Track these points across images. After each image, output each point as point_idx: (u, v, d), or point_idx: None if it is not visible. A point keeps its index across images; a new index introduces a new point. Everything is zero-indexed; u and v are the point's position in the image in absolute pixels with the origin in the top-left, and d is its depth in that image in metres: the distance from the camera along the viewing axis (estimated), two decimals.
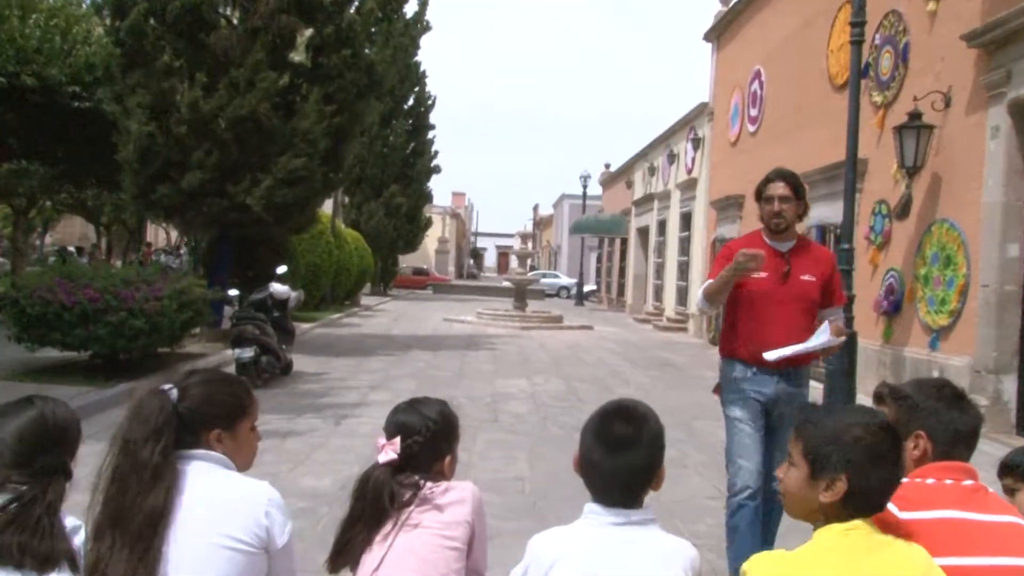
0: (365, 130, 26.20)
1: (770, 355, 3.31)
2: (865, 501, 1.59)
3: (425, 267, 44.71)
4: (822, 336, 3.31)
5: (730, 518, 3.34)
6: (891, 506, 1.70)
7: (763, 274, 3.37)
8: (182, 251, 24.68)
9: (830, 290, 3.48)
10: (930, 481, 1.78)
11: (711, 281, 3.44)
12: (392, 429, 2.00)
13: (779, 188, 3.42)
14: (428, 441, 1.97)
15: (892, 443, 1.61)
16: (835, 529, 1.57)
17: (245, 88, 10.66)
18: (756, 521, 3.28)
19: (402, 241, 29.80)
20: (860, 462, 1.57)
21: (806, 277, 3.41)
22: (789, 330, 3.35)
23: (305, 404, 7.85)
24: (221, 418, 1.87)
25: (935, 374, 8.25)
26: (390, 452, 1.94)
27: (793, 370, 3.42)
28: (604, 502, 1.73)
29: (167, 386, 1.82)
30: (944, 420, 1.83)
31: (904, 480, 1.78)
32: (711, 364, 12.71)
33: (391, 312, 22.65)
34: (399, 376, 10.02)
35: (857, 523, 1.57)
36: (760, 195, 3.47)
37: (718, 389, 3.57)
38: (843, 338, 3.36)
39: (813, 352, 3.38)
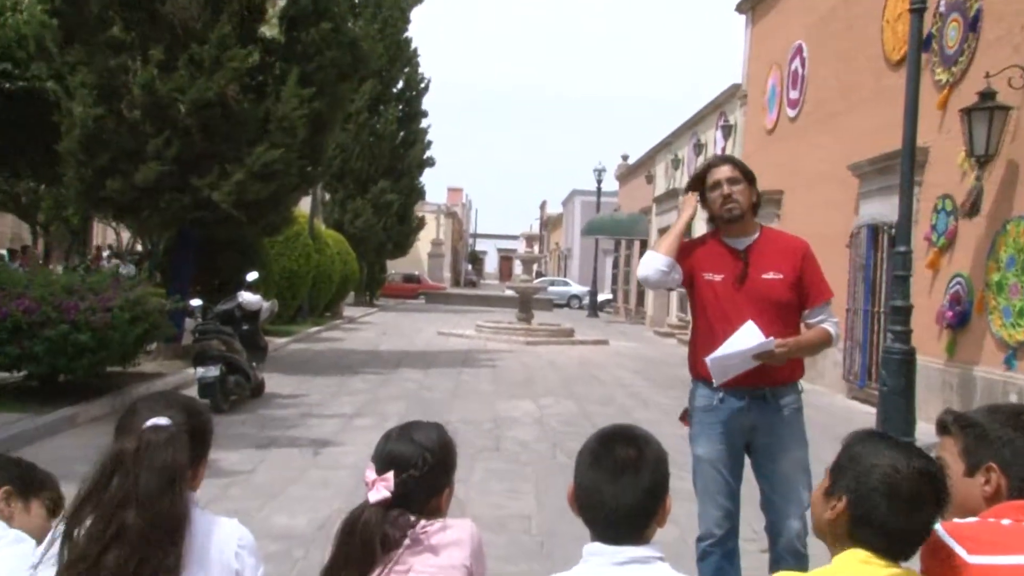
0: (350, 117, 26.39)
1: (715, 379, 3.28)
2: (873, 538, 1.68)
3: (417, 273, 44.74)
4: (746, 338, 3.15)
5: (697, 563, 3.37)
6: (959, 548, 1.70)
7: (718, 276, 3.35)
8: (102, 256, 24.08)
9: (806, 286, 3.33)
10: (1006, 522, 1.77)
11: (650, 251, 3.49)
12: (383, 461, 1.97)
13: (724, 171, 3.38)
14: (426, 476, 1.95)
15: (922, 491, 1.67)
16: (854, 556, 1.68)
17: (211, 67, 10.65)
18: (728, 568, 3.31)
19: (391, 243, 29.85)
20: (869, 494, 1.68)
21: (769, 276, 3.30)
22: None
23: (278, 431, 7.84)
24: (206, 449, 1.90)
25: (1013, 398, 8.14)
26: (382, 490, 1.91)
27: (770, 390, 3.29)
28: (606, 538, 1.75)
29: (163, 421, 1.77)
30: (1021, 452, 1.84)
31: (974, 519, 1.79)
32: None
33: (378, 325, 22.67)
34: (387, 398, 10.01)
35: (875, 558, 1.67)
36: (703, 187, 3.44)
37: (685, 416, 3.48)
38: (779, 341, 3.14)
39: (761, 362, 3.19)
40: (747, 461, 3.42)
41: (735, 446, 3.36)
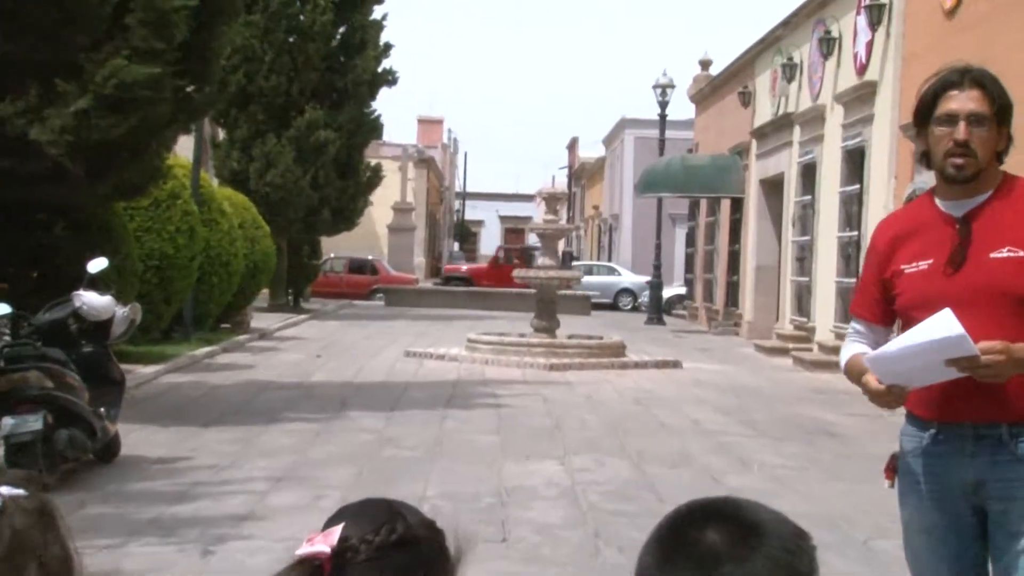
0: (254, 3, 26.25)
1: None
2: None
3: (371, 258, 44.91)
4: (935, 330, 3.29)
5: None
6: None
7: (924, 263, 3.55)
8: None
9: None
10: None
11: (851, 353, 3.76)
12: (336, 517, 2.00)
13: (968, 100, 3.48)
14: (380, 559, 1.94)
15: None
16: None
17: None
18: None
19: (328, 210, 29.81)
20: None
21: (1002, 253, 3.45)
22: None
23: (145, 516, 7.81)
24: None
25: None
26: (319, 543, 1.93)
27: (1008, 429, 3.44)
28: None
29: (12, 490, 1.74)
30: None
31: None
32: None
33: (309, 342, 22.80)
34: (324, 460, 10.04)
35: None
36: (929, 113, 3.57)
37: (892, 468, 3.72)
38: (991, 345, 3.28)
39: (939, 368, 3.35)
40: None
41: (958, 511, 3.51)
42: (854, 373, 3.69)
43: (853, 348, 3.74)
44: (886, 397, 3.49)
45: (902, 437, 3.68)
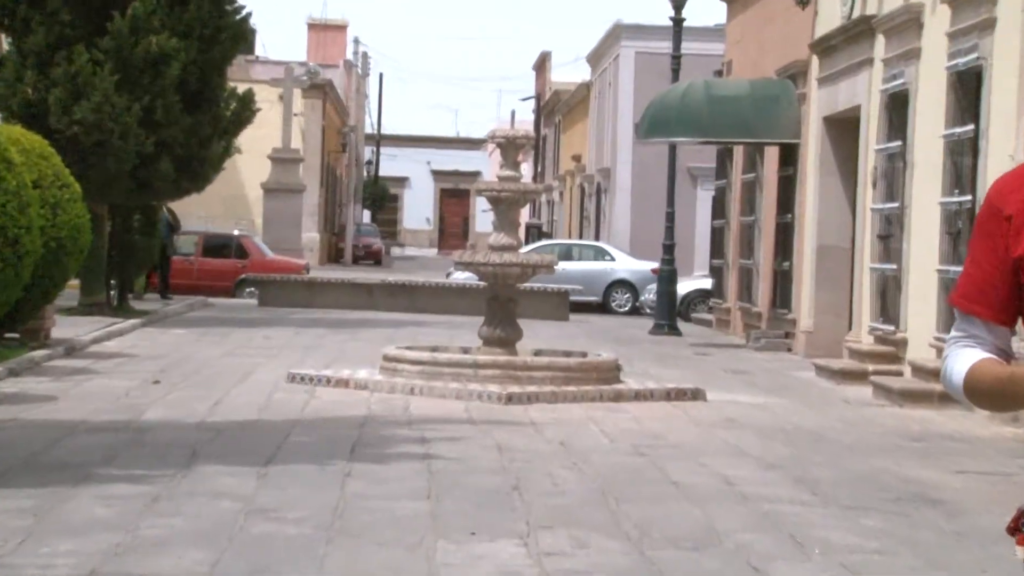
0: None
1: None
2: None
3: (236, 232, 44.79)
4: None
5: None
6: None
7: None
8: None
9: None
10: None
11: (972, 361, 3.72)
12: None
13: None
14: None
15: None
16: None
17: None
18: None
19: (170, 160, 29.69)
20: None
21: None
22: None
23: None
24: None
25: None
26: None
27: None
28: None
29: None
30: None
31: None
32: None
33: (141, 359, 23.05)
34: (164, 540, 10.01)
35: None
36: None
37: (1016, 527, 3.72)
38: None
39: None
40: None
41: None
42: (988, 381, 3.64)
43: (972, 356, 3.71)
44: None
45: None
